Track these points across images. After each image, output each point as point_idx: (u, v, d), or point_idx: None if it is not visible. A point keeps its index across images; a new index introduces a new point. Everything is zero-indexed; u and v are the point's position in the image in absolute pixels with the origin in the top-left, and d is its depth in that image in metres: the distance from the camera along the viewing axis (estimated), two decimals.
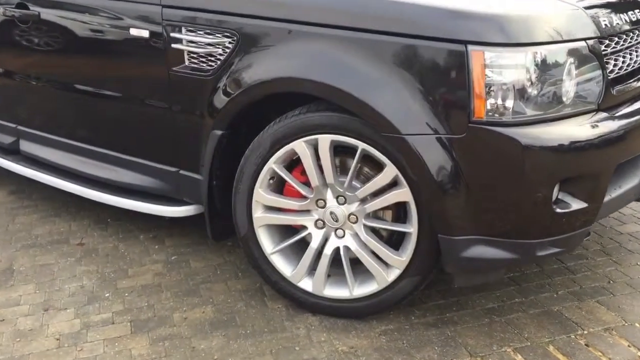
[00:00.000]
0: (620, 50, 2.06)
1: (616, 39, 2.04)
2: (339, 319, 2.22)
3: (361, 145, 2.00)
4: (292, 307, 2.29)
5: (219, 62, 2.24)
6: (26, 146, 3.08)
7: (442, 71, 1.81)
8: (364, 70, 1.89)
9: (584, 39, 1.89)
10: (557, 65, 1.84)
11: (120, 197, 2.72)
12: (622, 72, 2.05)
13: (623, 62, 2.07)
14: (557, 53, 1.83)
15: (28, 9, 2.74)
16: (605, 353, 2.01)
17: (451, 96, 1.81)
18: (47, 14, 2.69)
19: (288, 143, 2.09)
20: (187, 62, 2.32)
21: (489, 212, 1.86)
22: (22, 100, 3.00)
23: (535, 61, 1.80)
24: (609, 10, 2.06)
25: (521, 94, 1.80)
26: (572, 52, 1.85)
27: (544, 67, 1.82)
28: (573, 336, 2.10)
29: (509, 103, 1.79)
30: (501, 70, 1.78)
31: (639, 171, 2.14)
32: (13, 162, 3.13)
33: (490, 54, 1.76)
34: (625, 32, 2.09)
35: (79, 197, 2.89)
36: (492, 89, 1.78)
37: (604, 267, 2.53)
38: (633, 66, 2.13)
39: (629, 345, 2.05)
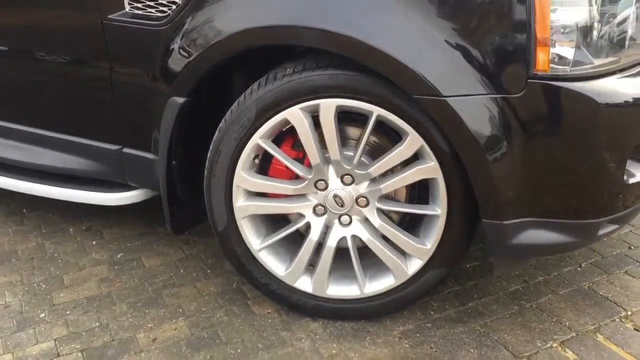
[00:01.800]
0: None
1: None
2: (345, 322, 1.83)
3: (376, 111, 1.57)
4: (285, 311, 1.87)
5: (174, 8, 1.71)
6: None
7: (492, 9, 1.40)
8: (394, 17, 1.45)
9: None
10: (625, 4, 1.48)
11: (42, 184, 2.16)
12: None
13: None
14: None
15: None
16: None
17: (505, 43, 1.40)
18: None
19: (280, 111, 1.62)
20: (127, 8, 1.77)
21: (550, 189, 1.50)
22: None
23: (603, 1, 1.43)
24: None
25: (588, 41, 1.43)
26: None
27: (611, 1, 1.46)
28: (618, 319, 1.83)
29: (575, 52, 1.42)
30: (567, 12, 1.39)
31: None
32: None
33: None
34: None
35: None
36: (557, 32, 1.39)
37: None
38: None
39: None
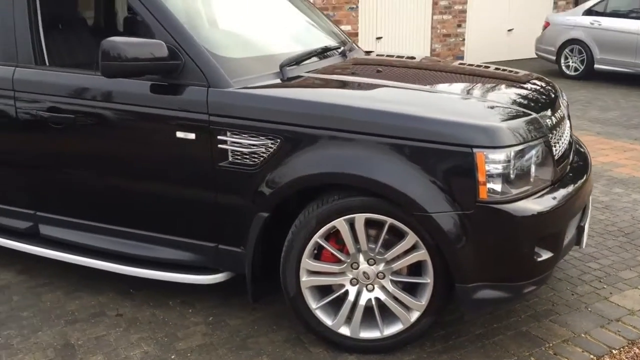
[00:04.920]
0: (558, 139, 2.90)
1: (554, 131, 2.88)
2: (371, 355, 2.83)
3: (389, 220, 2.65)
4: (331, 350, 2.87)
5: (262, 159, 2.79)
6: (48, 230, 3.39)
7: (455, 166, 2.53)
8: (400, 167, 2.56)
9: (542, 137, 2.69)
10: (528, 158, 2.61)
11: (152, 269, 3.16)
12: (559, 154, 2.89)
13: (559, 146, 2.91)
14: (528, 149, 2.61)
15: (63, 112, 3.12)
16: (570, 358, 2.79)
17: (463, 184, 2.52)
18: (84, 118, 3.09)
19: (331, 221, 2.70)
20: (230, 159, 2.85)
21: (492, 264, 2.58)
22: (51, 190, 3.31)
23: (515, 157, 2.56)
24: (550, 112, 2.90)
25: (508, 180, 2.55)
26: (536, 147, 2.64)
27: (521, 160, 2.59)
28: (543, 349, 2.87)
29: (501, 187, 2.54)
30: (495, 165, 2.52)
31: (574, 223, 2.97)
32: (30, 245, 3.43)
33: (488, 154, 2.50)
34: (558, 125, 2.94)
35: (91, 271, 3.26)
36: (489, 177, 2.52)
37: (546, 293, 3.36)
38: (563, 149, 2.98)
39: (583, 351, 2.85)
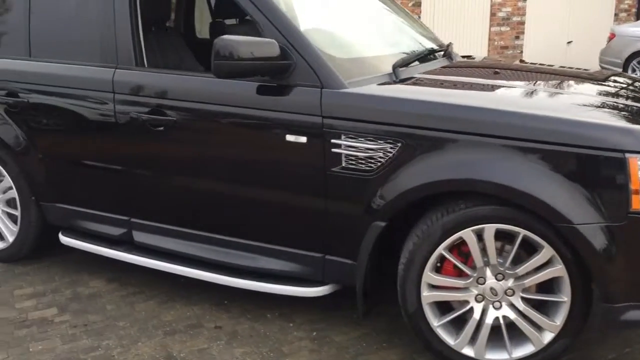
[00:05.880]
0: None
1: None
2: None
3: (522, 232, 2.43)
4: None
5: (379, 164, 2.61)
6: (142, 237, 3.27)
7: (604, 173, 2.30)
8: (540, 174, 2.35)
9: None
10: None
11: (252, 280, 3.00)
12: None
13: None
14: None
15: (164, 115, 3.00)
16: None
17: (613, 193, 2.29)
18: (185, 120, 2.97)
19: (457, 232, 2.49)
20: (344, 164, 2.68)
21: None
22: (147, 196, 3.19)
23: None
24: None
25: None
26: None
27: None
28: None
29: None
30: None
31: None
32: (125, 252, 3.32)
33: None
34: None
35: (180, 280, 3.18)
36: None
37: None
38: None
39: None
